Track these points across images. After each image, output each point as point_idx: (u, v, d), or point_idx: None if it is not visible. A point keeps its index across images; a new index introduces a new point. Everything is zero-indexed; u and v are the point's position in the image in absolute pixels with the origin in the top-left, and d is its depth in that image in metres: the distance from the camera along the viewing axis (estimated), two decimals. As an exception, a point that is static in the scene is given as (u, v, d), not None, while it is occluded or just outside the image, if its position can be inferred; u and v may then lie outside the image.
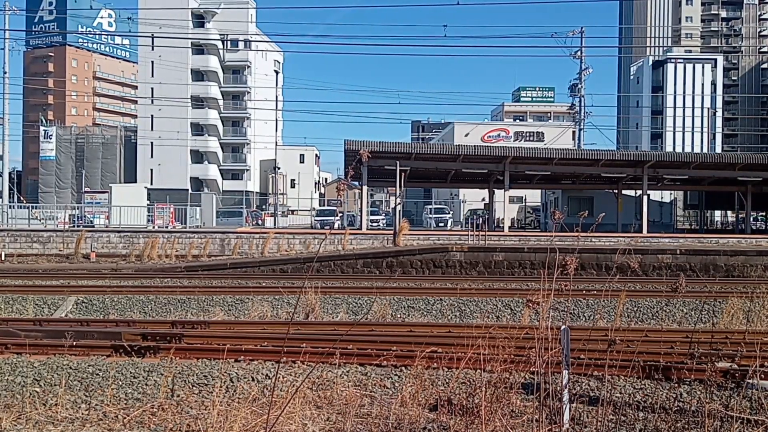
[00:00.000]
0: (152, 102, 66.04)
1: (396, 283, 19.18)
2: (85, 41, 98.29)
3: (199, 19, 69.51)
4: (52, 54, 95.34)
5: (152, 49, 62.12)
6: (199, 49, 68.66)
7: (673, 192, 42.75)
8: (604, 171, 33.63)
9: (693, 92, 79.08)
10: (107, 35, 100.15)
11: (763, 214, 53.68)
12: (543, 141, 62.04)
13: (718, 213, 59.21)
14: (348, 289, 16.70)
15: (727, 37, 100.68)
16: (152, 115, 66.48)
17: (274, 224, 42.15)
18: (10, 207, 37.83)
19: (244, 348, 8.58)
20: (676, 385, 7.09)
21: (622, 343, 8.03)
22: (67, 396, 6.74)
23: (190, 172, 67.82)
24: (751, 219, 42.29)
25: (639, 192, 34.24)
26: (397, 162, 29.15)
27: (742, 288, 16.62)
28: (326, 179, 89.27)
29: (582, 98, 46.12)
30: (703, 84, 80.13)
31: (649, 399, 6.66)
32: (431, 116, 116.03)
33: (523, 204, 49.44)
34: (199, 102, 68.95)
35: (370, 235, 28.74)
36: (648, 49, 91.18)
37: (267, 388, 6.97)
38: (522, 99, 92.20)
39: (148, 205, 36.36)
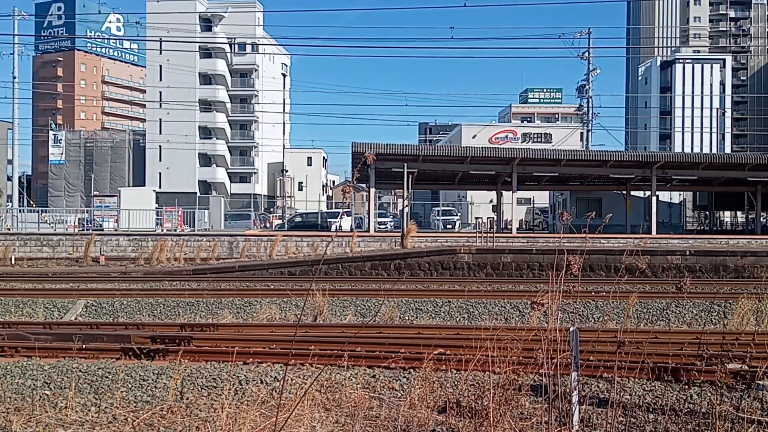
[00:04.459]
0: (160, 106, 66.38)
1: (404, 285, 19.15)
2: (93, 46, 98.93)
3: (207, 23, 69.82)
4: (61, 59, 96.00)
5: (160, 53, 62.50)
6: (206, 52, 68.96)
7: (682, 193, 42.55)
8: (612, 172, 33.50)
9: (702, 92, 78.68)
10: (115, 40, 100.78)
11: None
12: (551, 142, 61.99)
13: (727, 213, 58.88)
14: (356, 291, 16.67)
15: (735, 37, 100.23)
16: (160, 119, 66.82)
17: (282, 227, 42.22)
18: (20, 211, 38.11)
19: (252, 350, 8.60)
20: (686, 386, 7.05)
21: (631, 344, 8.00)
22: (77, 399, 6.76)
23: (198, 176, 68.10)
24: (761, 219, 42.01)
25: (648, 193, 34.09)
26: (405, 164, 29.13)
27: (753, 289, 16.50)
28: (334, 182, 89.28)
29: (590, 99, 46.07)
30: (711, 84, 79.72)
31: (659, 400, 6.62)
32: (438, 118, 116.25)
33: (531, 206, 49.30)
34: (207, 105, 69.25)
35: (378, 237, 28.73)
36: (656, 49, 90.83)
37: (276, 391, 6.97)
38: (529, 100, 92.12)
39: (156, 208, 36.49)
